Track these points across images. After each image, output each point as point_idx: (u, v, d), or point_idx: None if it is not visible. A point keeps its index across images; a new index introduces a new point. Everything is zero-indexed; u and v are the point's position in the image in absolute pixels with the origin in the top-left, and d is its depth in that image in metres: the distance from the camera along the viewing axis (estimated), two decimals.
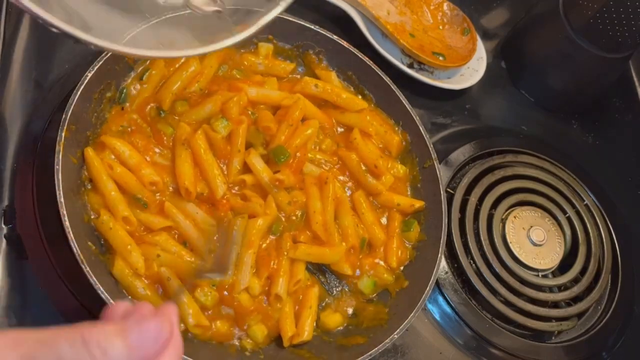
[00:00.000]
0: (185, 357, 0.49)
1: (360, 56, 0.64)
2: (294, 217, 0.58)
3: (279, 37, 0.64)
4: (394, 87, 0.65)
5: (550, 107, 0.86)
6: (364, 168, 0.62)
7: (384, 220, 0.62)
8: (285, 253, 0.56)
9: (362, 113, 0.64)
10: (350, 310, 0.59)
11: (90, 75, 0.53)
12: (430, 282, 0.58)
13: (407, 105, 0.64)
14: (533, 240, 0.71)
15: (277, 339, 0.55)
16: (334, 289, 0.59)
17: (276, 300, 0.55)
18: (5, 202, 0.55)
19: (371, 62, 0.64)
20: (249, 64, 0.63)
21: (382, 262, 0.60)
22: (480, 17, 0.88)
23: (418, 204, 0.63)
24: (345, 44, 0.64)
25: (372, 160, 0.62)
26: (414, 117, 0.64)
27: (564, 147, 0.83)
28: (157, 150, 0.56)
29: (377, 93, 0.65)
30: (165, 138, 0.56)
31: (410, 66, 0.77)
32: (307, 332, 0.55)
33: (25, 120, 0.59)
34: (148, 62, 0.57)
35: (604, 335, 0.71)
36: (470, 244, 0.69)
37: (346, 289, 0.60)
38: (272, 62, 0.63)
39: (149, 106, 0.57)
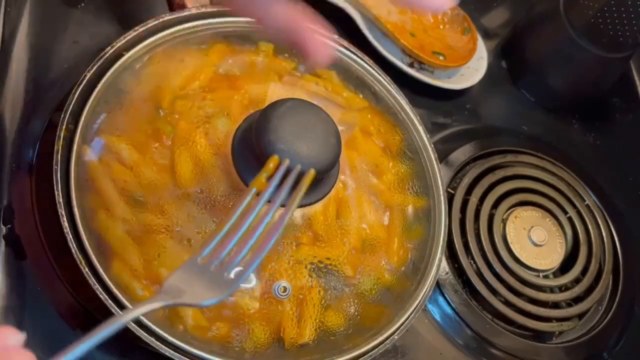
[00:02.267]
0: (185, 358, 0.49)
1: (360, 56, 0.64)
2: (295, 218, 0.58)
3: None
4: (394, 86, 0.64)
5: (550, 107, 0.86)
6: (365, 167, 0.62)
7: (385, 220, 0.62)
8: (286, 254, 0.56)
9: (362, 112, 0.64)
10: (351, 311, 0.58)
11: (89, 75, 0.52)
12: (431, 282, 0.58)
13: (407, 105, 0.64)
14: (534, 240, 0.71)
15: (279, 341, 0.55)
16: (335, 289, 0.59)
17: (277, 302, 0.54)
18: (4, 203, 0.55)
19: (371, 61, 0.64)
20: (250, 62, 0.62)
21: (383, 263, 0.60)
22: (480, 17, 0.88)
23: (419, 203, 0.63)
24: (345, 43, 0.63)
25: (373, 159, 0.62)
26: (414, 117, 0.64)
27: (565, 147, 0.83)
28: (156, 149, 0.56)
29: (378, 92, 0.65)
30: (164, 137, 0.56)
31: (411, 66, 0.77)
32: (308, 333, 0.55)
33: (24, 120, 0.58)
34: (146, 59, 0.57)
35: (605, 335, 0.71)
36: (470, 244, 0.69)
37: (347, 290, 0.59)
38: (273, 60, 0.63)
39: (148, 104, 0.57)
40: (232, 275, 0.37)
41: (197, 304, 0.36)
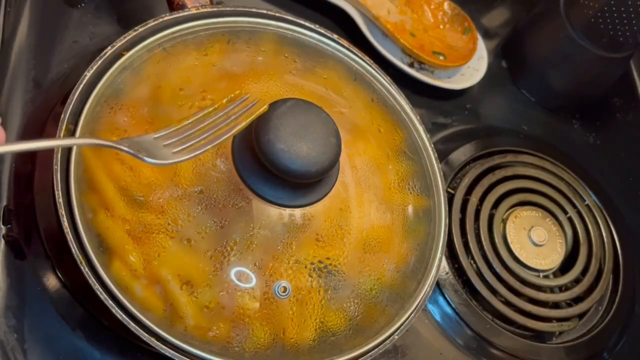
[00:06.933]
0: (185, 358, 0.49)
1: (360, 56, 0.64)
2: (295, 218, 0.58)
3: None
4: (394, 86, 0.64)
5: (551, 107, 0.86)
6: (365, 167, 0.62)
7: (385, 220, 0.62)
8: (286, 254, 0.56)
9: (362, 112, 0.64)
10: (351, 311, 0.58)
11: (89, 74, 0.52)
12: (431, 282, 0.58)
13: (407, 105, 0.64)
14: (534, 240, 0.71)
15: (279, 341, 0.55)
16: (335, 289, 0.59)
17: (277, 302, 0.54)
18: (4, 202, 0.55)
19: (371, 61, 0.64)
20: (250, 62, 0.62)
21: (383, 263, 0.60)
22: (481, 17, 0.88)
23: (419, 203, 0.63)
24: (345, 43, 0.63)
25: (373, 159, 0.62)
26: (414, 117, 0.64)
27: (565, 147, 0.83)
28: None
29: (378, 92, 0.65)
30: None
31: (411, 66, 0.77)
32: (308, 333, 0.55)
33: (24, 120, 0.58)
34: (146, 59, 0.57)
35: (605, 335, 0.71)
36: (470, 244, 0.69)
37: (347, 290, 0.59)
38: (273, 60, 0.63)
39: (148, 104, 0.57)
40: (175, 153, 0.48)
41: (144, 158, 0.45)
